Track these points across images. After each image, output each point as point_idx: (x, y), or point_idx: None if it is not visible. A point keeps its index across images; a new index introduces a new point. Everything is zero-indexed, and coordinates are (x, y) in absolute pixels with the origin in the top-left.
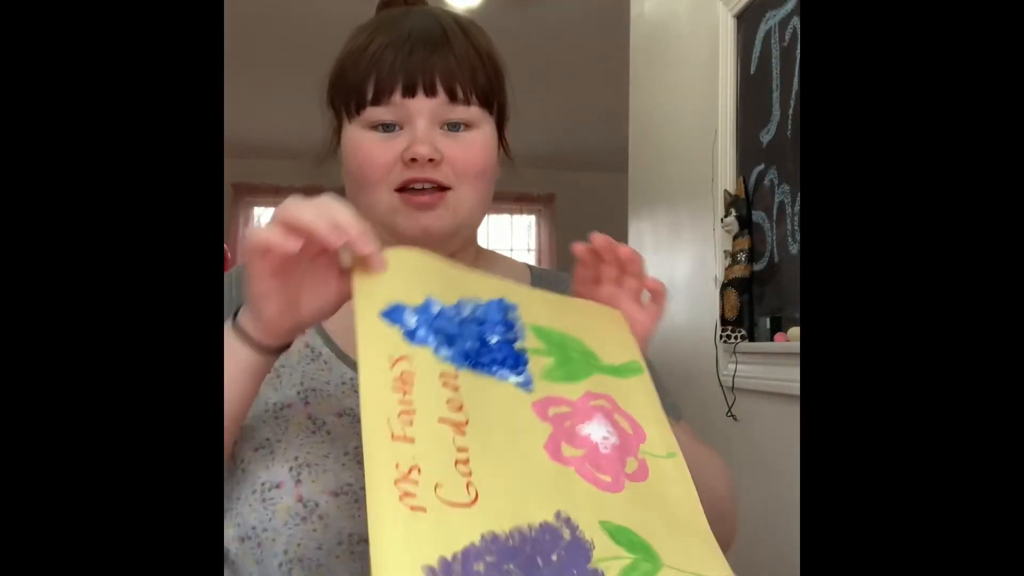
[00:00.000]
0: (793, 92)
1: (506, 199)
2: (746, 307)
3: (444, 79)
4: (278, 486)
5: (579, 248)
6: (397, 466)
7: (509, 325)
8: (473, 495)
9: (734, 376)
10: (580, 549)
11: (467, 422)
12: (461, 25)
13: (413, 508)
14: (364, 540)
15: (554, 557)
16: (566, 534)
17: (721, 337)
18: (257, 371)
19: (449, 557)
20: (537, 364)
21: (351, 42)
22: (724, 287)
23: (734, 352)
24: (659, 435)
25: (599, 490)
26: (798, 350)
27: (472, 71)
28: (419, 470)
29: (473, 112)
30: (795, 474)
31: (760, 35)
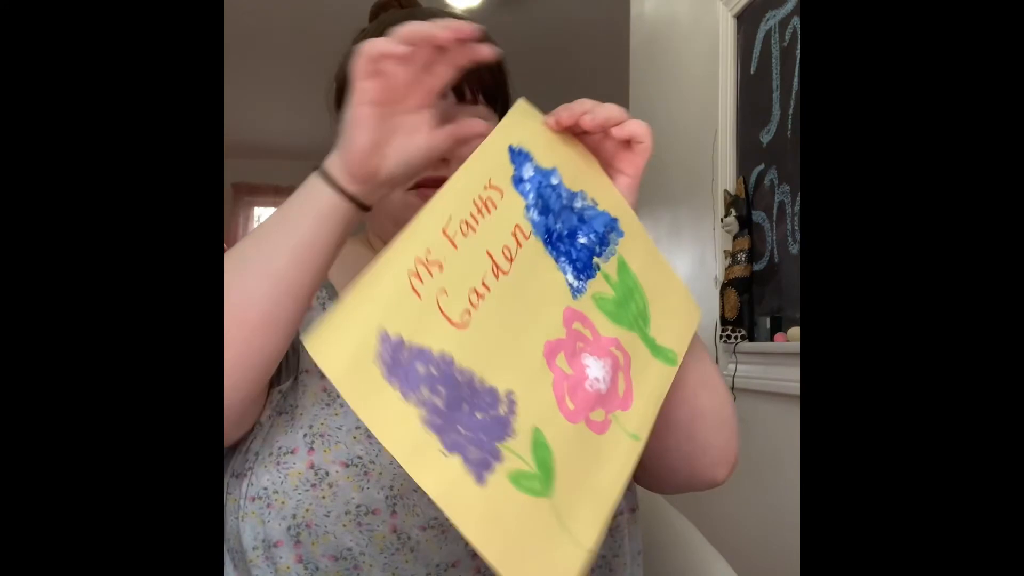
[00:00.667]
0: (793, 92)
1: None
2: (746, 307)
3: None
4: (292, 451)
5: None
6: (428, 251)
7: (605, 242)
8: (464, 322)
9: (734, 376)
10: (501, 427)
11: (507, 272)
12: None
13: (413, 288)
14: (371, 511)
15: (478, 415)
16: (502, 409)
17: (721, 337)
18: (336, 219)
19: (407, 341)
20: (598, 286)
21: (356, 45)
22: (724, 287)
23: (734, 352)
24: (640, 416)
25: (558, 408)
26: (798, 350)
27: (478, 71)
28: (441, 268)
29: (480, 111)
30: (795, 474)
31: (760, 35)
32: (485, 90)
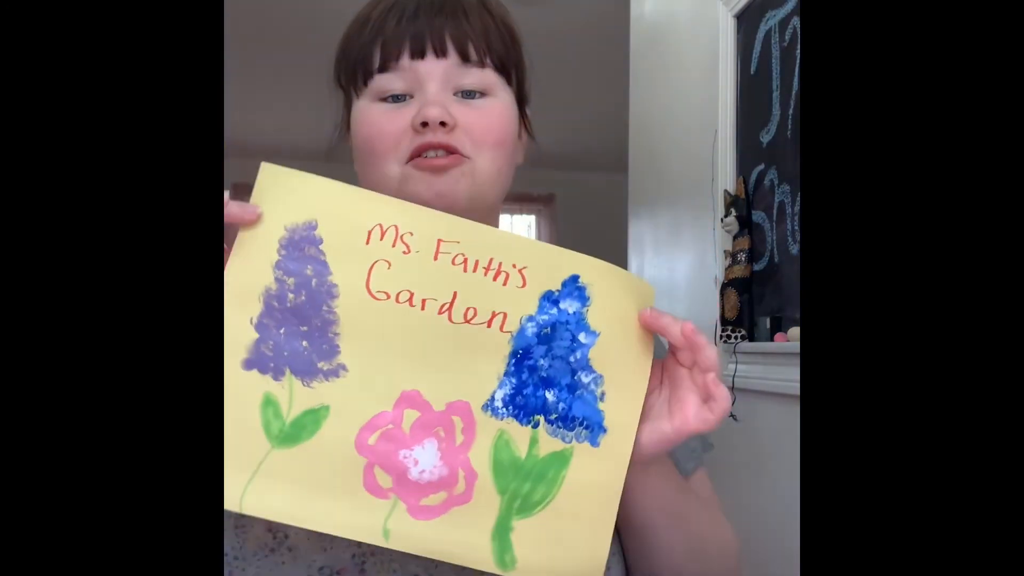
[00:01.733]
0: (793, 92)
1: (506, 199)
2: (746, 307)
3: (455, 39)
4: None
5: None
6: (411, 233)
7: (568, 425)
8: (377, 295)
9: (734, 376)
10: (307, 370)
11: (451, 321)
12: None
13: (368, 233)
14: (335, 572)
15: (304, 344)
16: (324, 365)
17: (721, 337)
18: None
19: (320, 238)
20: (516, 432)
21: (357, 15)
22: (724, 287)
23: (734, 352)
24: (412, 538)
25: (357, 429)
26: (798, 350)
27: (486, 33)
28: (407, 250)
29: (489, 77)
30: (795, 474)
31: (760, 35)
32: (493, 54)
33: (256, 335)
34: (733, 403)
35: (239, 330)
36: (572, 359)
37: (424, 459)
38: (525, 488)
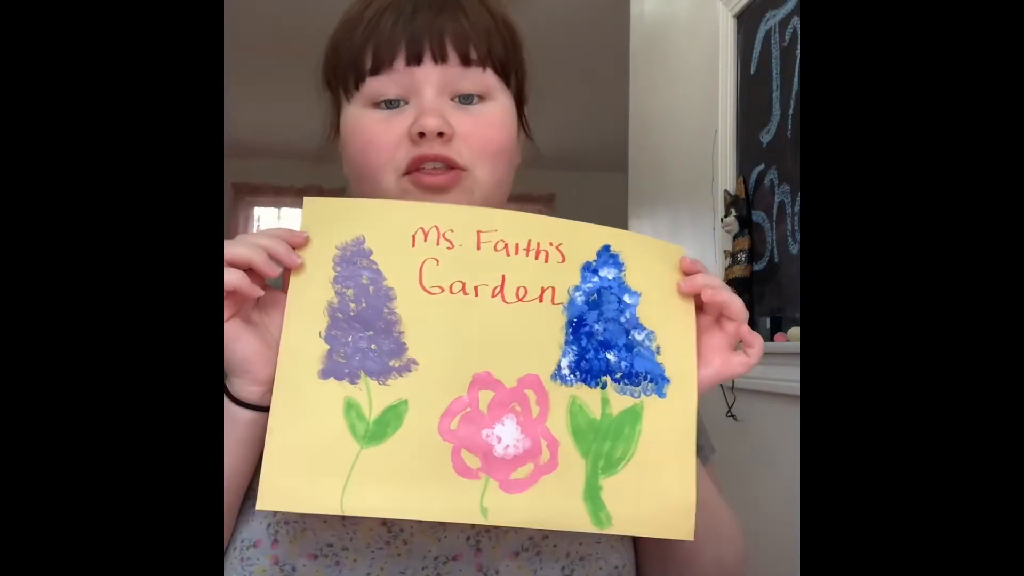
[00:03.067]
0: (793, 92)
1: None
2: (746, 307)
3: (455, 40)
4: (255, 544)
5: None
6: (452, 229)
7: (633, 380)
8: (431, 290)
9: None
10: (380, 368)
11: (506, 302)
12: None
13: (412, 236)
14: (452, 558)
15: (372, 347)
16: (395, 363)
17: None
18: (253, 433)
19: (370, 250)
20: (587, 396)
21: (347, 11)
22: None
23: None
24: (510, 510)
25: (439, 414)
26: (798, 350)
27: (487, 33)
28: (450, 246)
29: (488, 80)
30: (795, 474)
31: (760, 35)
32: (495, 56)
33: (327, 346)
34: (733, 403)
35: (310, 344)
36: (623, 319)
37: (506, 435)
38: (606, 447)
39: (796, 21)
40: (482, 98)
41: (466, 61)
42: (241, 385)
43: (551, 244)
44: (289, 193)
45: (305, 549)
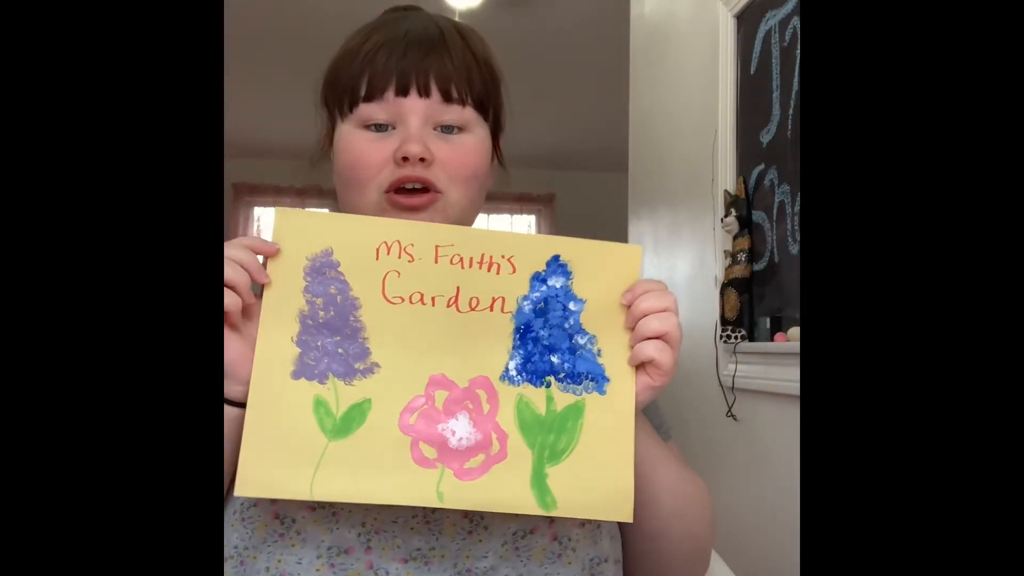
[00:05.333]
0: (793, 92)
1: (506, 199)
2: (746, 307)
3: (439, 79)
4: (255, 504)
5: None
6: (412, 244)
7: (575, 379)
8: (392, 300)
9: (734, 376)
10: (345, 370)
11: (459, 311)
12: (459, 30)
13: (376, 250)
14: (343, 551)
15: (339, 351)
16: (359, 365)
17: (721, 337)
18: (238, 429)
19: (337, 262)
20: (533, 395)
21: (347, 42)
22: (724, 287)
23: (734, 352)
24: (465, 493)
25: (399, 411)
26: (798, 350)
27: (468, 73)
28: (411, 260)
29: (467, 115)
30: (795, 474)
31: (760, 35)
32: (474, 94)
33: (298, 350)
34: (733, 403)
35: (283, 348)
36: (567, 325)
37: (460, 429)
38: (551, 439)
39: (796, 21)
40: (461, 129)
41: (447, 98)
42: (227, 385)
43: (503, 257)
44: (289, 193)
45: (304, 503)
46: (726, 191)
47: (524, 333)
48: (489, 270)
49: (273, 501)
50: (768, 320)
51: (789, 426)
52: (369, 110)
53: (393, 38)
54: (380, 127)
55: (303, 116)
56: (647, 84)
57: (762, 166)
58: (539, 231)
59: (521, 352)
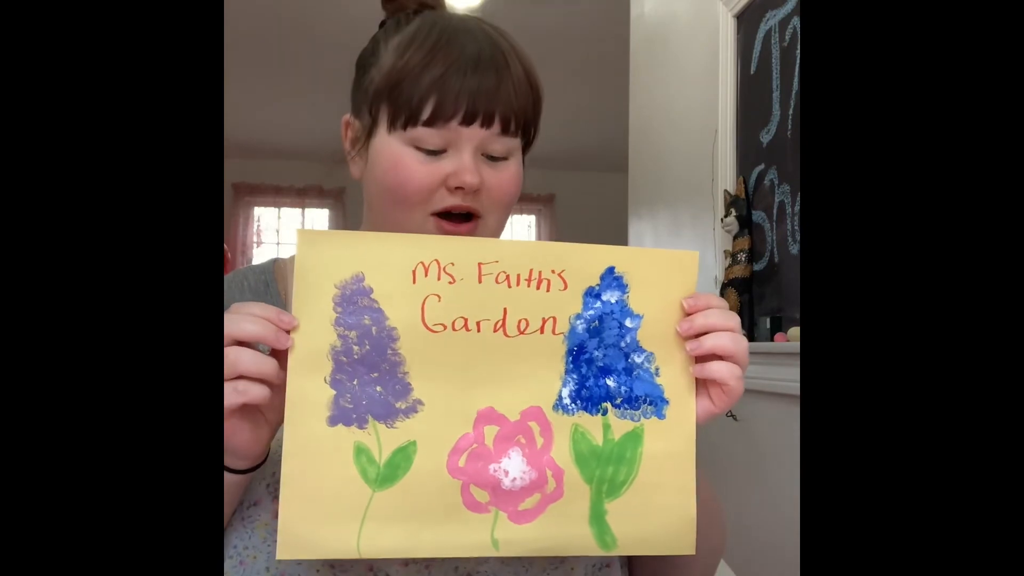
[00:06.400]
0: (793, 92)
1: None
2: (746, 307)
3: (503, 114)
4: (256, 503)
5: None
6: (452, 264)
7: (632, 404)
8: (434, 328)
9: None
10: (387, 412)
11: (508, 336)
12: (517, 52)
13: (413, 272)
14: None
15: (378, 389)
16: (401, 404)
17: None
18: (236, 491)
19: (370, 289)
20: (589, 423)
21: (404, 53)
22: (724, 287)
23: None
24: (522, 540)
25: (447, 452)
26: (798, 350)
27: (525, 102)
28: (452, 281)
29: (514, 143)
30: (795, 474)
31: (760, 35)
32: (525, 122)
33: (333, 392)
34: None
35: (316, 391)
36: (623, 344)
37: (512, 468)
38: (609, 472)
39: (796, 21)
40: (505, 157)
41: (506, 130)
42: (231, 461)
43: (553, 272)
44: (289, 193)
45: None
46: (726, 191)
47: (577, 355)
48: (539, 288)
49: (273, 500)
50: (768, 320)
51: (789, 426)
52: (425, 133)
53: (460, 61)
54: (432, 151)
55: (303, 116)
56: (647, 84)
57: (762, 166)
58: (539, 231)
59: (575, 377)
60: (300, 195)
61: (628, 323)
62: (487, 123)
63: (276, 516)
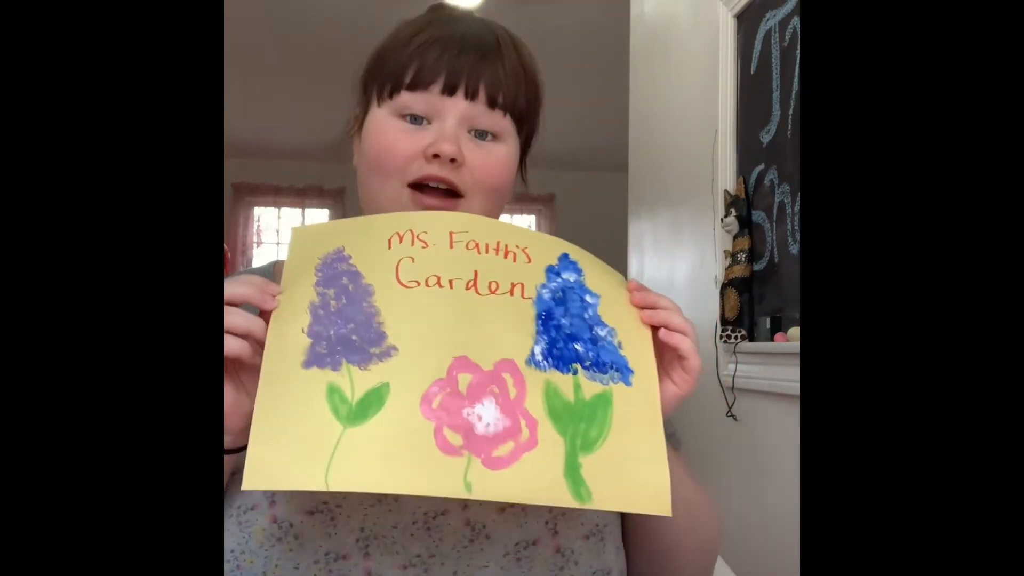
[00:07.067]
0: (793, 92)
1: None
2: (746, 307)
3: (489, 85)
4: (253, 508)
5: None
6: (425, 232)
7: (600, 368)
8: (408, 284)
9: (734, 376)
10: (361, 356)
11: (479, 294)
12: (514, 41)
13: (388, 240)
14: (340, 557)
15: (354, 338)
16: (375, 350)
17: (721, 337)
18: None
19: (349, 256)
20: (561, 381)
21: (398, 31)
22: (724, 287)
23: (734, 352)
24: (491, 485)
25: (420, 395)
26: (798, 350)
27: (516, 85)
28: (424, 246)
29: (504, 124)
30: (795, 474)
31: (760, 35)
32: (517, 106)
33: (310, 340)
34: (733, 403)
35: (294, 339)
36: (586, 316)
37: (486, 414)
38: (582, 428)
39: (796, 21)
40: (495, 137)
41: (492, 104)
42: (229, 442)
43: (517, 246)
44: (289, 193)
45: (302, 507)
46: (726, 191)
47: (546, 320)
48: (506, 257)
49: (271, 504)
50: (768, 320)
51: (789, 426)
52: (409, 99)
53: (449, 36)
54: (415, 119)
55: (303, 116)
56: (647, 84)
57: (762, 166)
58: (539, 230)
59: (545, 338)
60: (300, 195)
61: (588, 299)
62: (471, 95)
63: (274, 521)
